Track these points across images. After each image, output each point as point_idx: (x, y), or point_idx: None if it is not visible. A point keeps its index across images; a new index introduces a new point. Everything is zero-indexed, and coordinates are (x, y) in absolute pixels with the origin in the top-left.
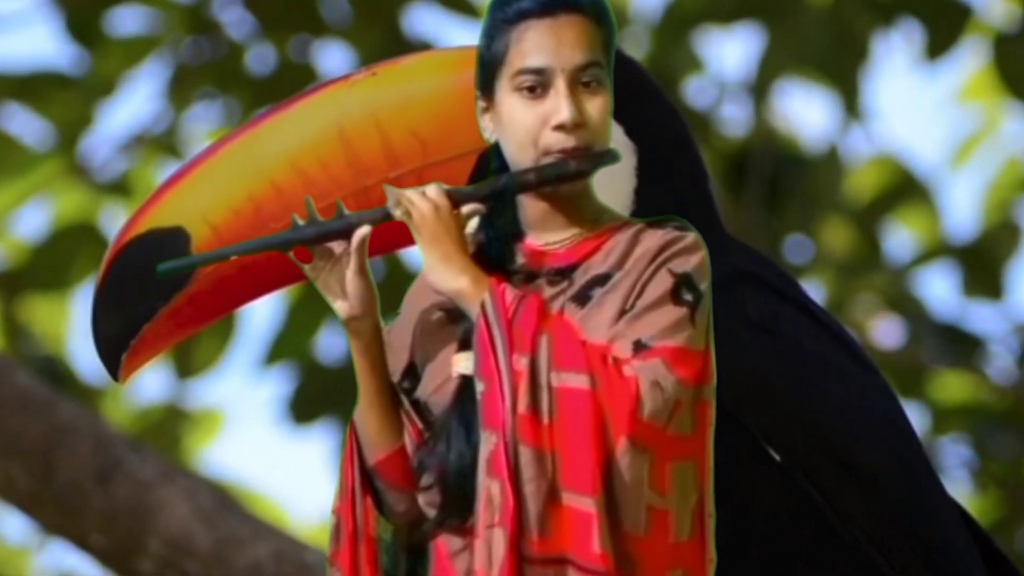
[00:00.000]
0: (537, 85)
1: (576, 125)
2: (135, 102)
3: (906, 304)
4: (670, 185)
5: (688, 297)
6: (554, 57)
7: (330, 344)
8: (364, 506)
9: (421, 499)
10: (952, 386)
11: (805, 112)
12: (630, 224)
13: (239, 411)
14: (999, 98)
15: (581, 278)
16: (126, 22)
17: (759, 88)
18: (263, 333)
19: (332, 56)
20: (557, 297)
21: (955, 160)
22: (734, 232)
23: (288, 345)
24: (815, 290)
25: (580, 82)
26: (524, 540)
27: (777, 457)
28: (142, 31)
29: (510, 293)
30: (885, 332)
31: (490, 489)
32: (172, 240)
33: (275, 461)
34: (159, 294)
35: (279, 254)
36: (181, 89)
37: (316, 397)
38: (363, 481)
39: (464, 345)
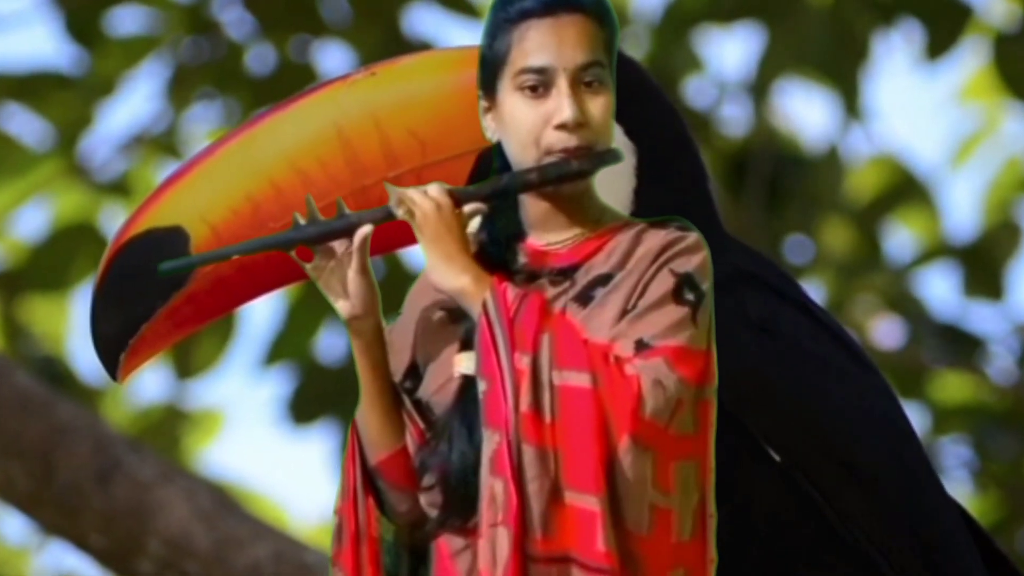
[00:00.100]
0: (539, 84)
1: (578, 125)
2: (134, 102)
3: (906, 304)
4: (670, 185)
5: (690, 297)
6: (556, 57)
7: (330, 344)
8: (366, 506)
9: (423, 499)
10: (952, 386)
11: (805, 112)
12: (632, 224)
13: (239, 411)
14: (999, 98)
15: (583, 278)
16: (125, 22)
17: (759, 88)
18: (263, 333)
19: (332, 56)
20: (559, 297)
21: (955, 160)
22: (734, 232)
23: (288, 345)
24: (815, 290)
25: (582, 82)
26: (528, 539)
27: (777, 457)
28: (141, 31)
29: (511, 292)
30: (885, 332)
31: (493, 488)
32: (171, 240)
33: (275, 461)
34: (158, 294)
35: (278, 253)
36: (180, 89)
37: (316, 397)
38: (365, 481)
39: (466, 345)
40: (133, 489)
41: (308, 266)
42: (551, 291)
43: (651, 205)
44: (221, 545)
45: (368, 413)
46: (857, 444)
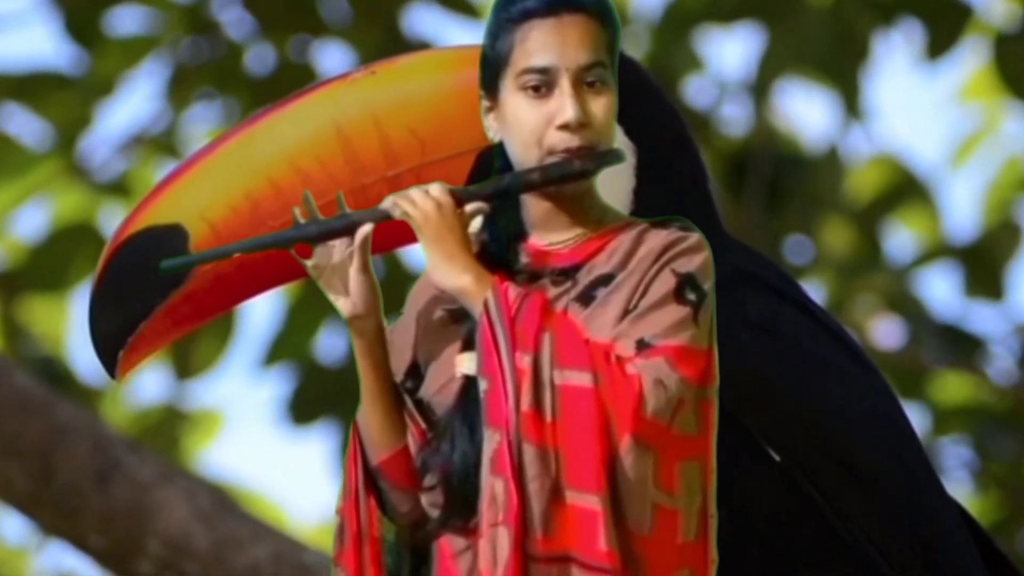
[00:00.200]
0: (542, 85)
1: (580, 125)
2: (134, 102)
3: (906, 305)
4: (670, 185)
5: (691, 297)
6: (559, 57)
7: (330, 345)
8: (368, 506)
9: (424, 499)
10: (952, 387)
11: (805, 112)
12: (634, 224)
13: (238, 412)
14: (999, 98)
15: (585, 278)
16: (125, 22)
17: (759, 88)
18: (262, 334)
19: (331, 56)
20: (561, 297)
21: (955, 160)
22: (734, 232)
23: (287, 346)
24: (815, 291)
25: (584, 82)
26: (528, 538)
27: (777, 457)
28: (141, 31)
29: (513, 291)
30: (885, 333)
31: (494, 487)
32: (170, 237)
33: (274, 462)
34: (157, 292)
35: (277, 252)
36: (180, 89)
37: (315, 398)
38: (367, 481)
39: (468, 345)
40: (132, 490)
41: (309, 265)
42: (553, 291)
43: (651, 205)
44: (220, 546)
45: (369, 413)
46: (857, 444)
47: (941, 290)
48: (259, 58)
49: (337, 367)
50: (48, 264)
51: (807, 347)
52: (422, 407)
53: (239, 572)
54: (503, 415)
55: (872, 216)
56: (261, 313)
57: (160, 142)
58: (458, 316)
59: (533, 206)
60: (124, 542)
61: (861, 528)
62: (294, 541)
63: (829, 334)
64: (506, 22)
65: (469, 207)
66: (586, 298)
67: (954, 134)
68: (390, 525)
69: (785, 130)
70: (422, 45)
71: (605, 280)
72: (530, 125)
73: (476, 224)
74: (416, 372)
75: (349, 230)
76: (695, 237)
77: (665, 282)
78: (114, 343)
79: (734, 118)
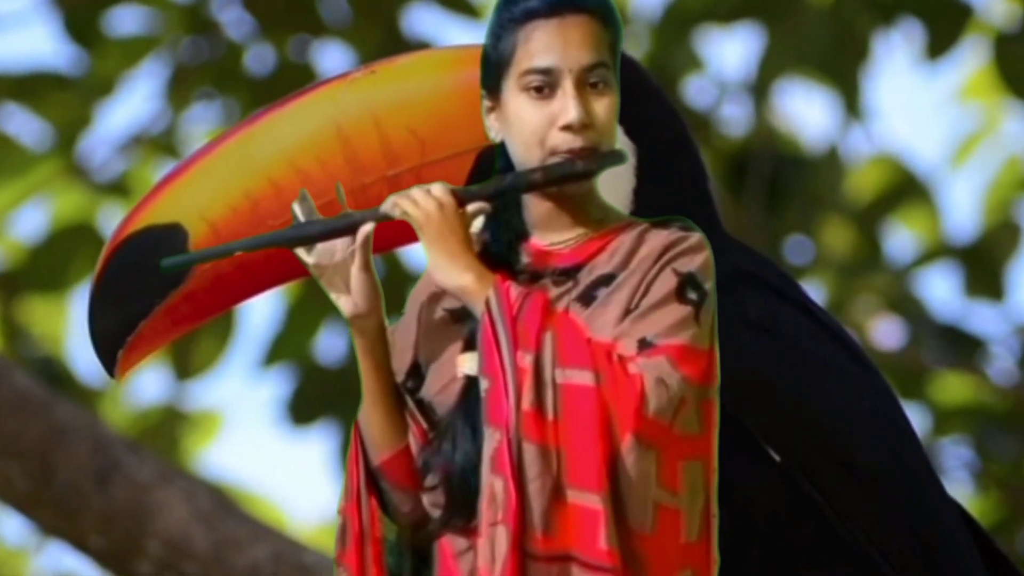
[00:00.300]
0: (544, 85)
1: (583, 126)
2: (133, 102)
3: (907, 305)
4: (670, 185)
5: (693, 296)
6: (561, 57)
7: (329, 345)
8: (369, 507)
9: (426, 499)
10: (953, 387)
11: (805, 112)
12: (635, 224)
13: (238, 412)
14: (999, 97)
15: (586, 278)
16: (125, 22)
17: (759, 88)
18: (262, 334)
19: (331, 56)
20: (562, 297)
21: (955, 160)
22: (734, 232)
23: (287, 346)
24: (815, 291)
25: (587, 83)
26: (528, 537)
27: (777, 457)
28: (140, 31)
29: (515, 290)
30: (885, 333)
31: (493, 486)
32: (169, 237)
33: (274, 462)
34: (156, 291)
35: (277, 251)
36: (180, 89)
37: (315, 398)
38: (368, 482)
39: (469, 345)
40: (132, 490)
41: (311, 264)
42: (554, 291)
43: (651, 205)
44: (220, 546)
45: (371, 413)
46: (857, 444)
47: (941, 290)
48: (259, 58)
49: (337, 367)
50: (48, 264)
51: (807, 347)
52: (423, 407)
53: (239, 573)
54: (504, 414)
55: (872, 216)
56: (261, 313)
57: (160, 142)
58: (459, 316)
59: (534, 206)
60: (124, 542)
61: (861, 528)
62: (294, 542)
63: (829, 334)
64: (508, 22)
65: (471, 207)
66: (587, 298)
67: (954, 134)
68: (391, 525)
69: (785, 130)
70: (422, 45)
71: (606, 280)
72: (532, 125)
73: (477, 224)
74: (417, 372)
75: (351, 229)
76: (696, 237)
77: (666, 282)
78: (113, 342)
79: (734, 118)
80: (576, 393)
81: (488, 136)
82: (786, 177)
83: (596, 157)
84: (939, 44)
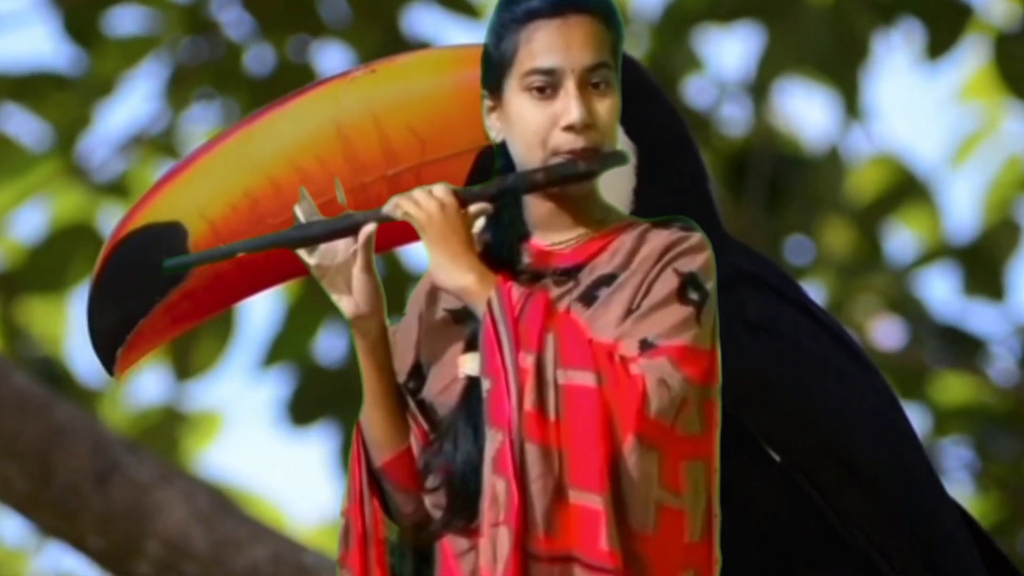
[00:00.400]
0: (547, 86)
1: (586, 126)
2: (133, 102)
3: (907, 305)
4: (670, 185)
5: (694, 296)
6: (564, 58)
7: (329, 345)
8: (372, 508)
9: (427, 500)
10: (953, 387)
11: (805, 112)
12: (636, 224)
13: (237, 413)
14: (999, 97)
15: (587, 278)
16: (124, 22)
17: (759, 88)
18: (262, 334)
19: (331, 56)
20: (563, 297)
21: (955, 160)
22: (734, 232)
23: (287, 346)
24: (815, 291)
25: (589, 83)
26: (530, 538)
27: (777, 457)
28: (140, 31)
29: (516, 291)
30: (886, 333)
31: (495, 487)
32: (169, 235)
33: (273, 463)
34: (155, 289)
35: (276, 250)
36: (179, 89)
37: (315, 399)
38: (371, 483)
39: (471, 346)
40: (131, 491)
41: (312, 264)
42: (555, 291)
43: (651, 205)
44: (219, 547)
45: (372, 414)
46: (857, 444)
47: (941, 290)
48: (258, 58)
49: (337, 368)
50: (47, 265)
51: (807, 347)
52: (425, 408)
53: (238, 573)
54: (505, 415)
55: (872, 216)
56: (260, 314)
57: (159, 142)
58: (461, 317)
59: (536, 206)
60: (123, 543)
61: (861, 528)
62: (293, 542)
63: (829, 334)
64: (510, 22)
65: (473, 208)
66: (588, 298)
67: (954, 134)
68: (393, 526)
69: (785, 130)
70: (422, 45)
71: (607, 280)
72: (534, 126)
73: (478, 224)
74: (419, 373)
75: (353, 230)
76: (697, 237)
77: (668, 282)
78: (113, 341)
79: (734, 118)
80: (578, 394)
81: (488, 136)
82: (786, 177)
83: (598, 158)
84: (939, 44)
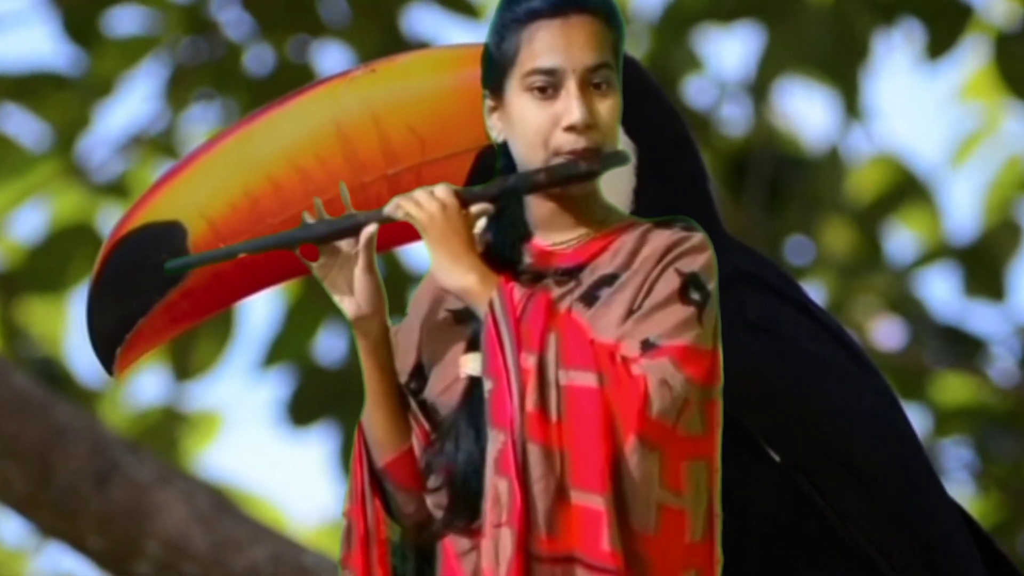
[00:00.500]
0: (548, 86)
1: (587, 126)
2: (133, 102)
3: (907, 305)
4: (670, 185)
5: (696, 296)
6: (565, 58)
7: (329, 346)
8: (374, 508)
9: (429, 500)
10: (953, 388)
11: (805, 112)
12: (637, 224)
13: (237, 413)
14: (999, 97)
15: (588, 278)
16: (124, 22)
17: (759, 88)
18: (262, 335)
19: (330, 56)
20: (564, 297)
21: (955, 160)
22: (734, 232)
23: (287, 347)
24: (815, 291)
25: (591, 83)
26: (532, 538)
27: (777, 457)
28: (140, 31)
29: (518, 291)
30: (886, 333)
31: (497, 488)
32: (168, 234)
33: (273, 463)
34: (155, 288)
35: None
36: (179, 89)
37: (315, 399)
38: (372, 483)
39: (472, 346)
40: (131, 491)
41: (314, 265)
42: (556, 291)
43: (651, 205)
44: (219, 547)
45: (374, 415)
46: (857, 444)
47: (941, 290)
48: (258, 58)
49: (337, 368)
50: (46, 265)
51: (807, 347)
52: (426, 408)
53: (238, 573)
54: (507, 415)
55: (872, 216)
56: (260, 314)
57: (159, 142)
58: (462, 317)
59: (537, 206)
60: (123, 543)
61: (861, 528)
62: (293, 543)
63: (829, 334)
64: (512, 22)
65: (474, 208)
66: (590, 298)
67: (954, 134)
68: (395, 526)
69: (785, 130)
70: (421, 45)
71: (609, 280)
72: (536, 126)
73: (480, 225)
74: (420, 373)
75: (355, 230)
76: (698, 237)
77: (669, 282)
78: (112, 340)
79: (734, 118)
80: (580, 394)
81: (489, 136)
82: (786, 177)
83: (600, 158)
84: (939, 44)
